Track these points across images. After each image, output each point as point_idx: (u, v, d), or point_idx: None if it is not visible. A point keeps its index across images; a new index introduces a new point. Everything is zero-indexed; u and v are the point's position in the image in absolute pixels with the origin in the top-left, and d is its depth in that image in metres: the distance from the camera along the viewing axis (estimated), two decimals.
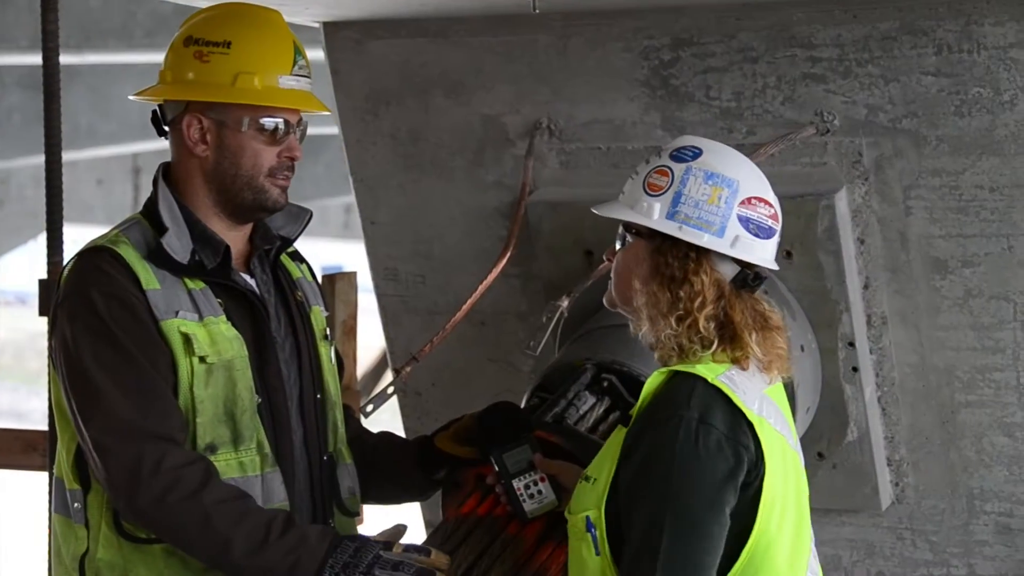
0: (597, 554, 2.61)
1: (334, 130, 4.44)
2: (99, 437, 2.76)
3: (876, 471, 3.93)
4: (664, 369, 2.65)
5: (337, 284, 4.72)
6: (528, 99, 4.07)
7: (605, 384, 3.52)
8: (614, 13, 3.91)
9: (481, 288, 3.96)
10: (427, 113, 4.18)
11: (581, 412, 3.45)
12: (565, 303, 3.83)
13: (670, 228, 2.65)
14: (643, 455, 2.57)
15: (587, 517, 2.63)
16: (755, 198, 2.68)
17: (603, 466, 2.66)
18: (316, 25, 4.23)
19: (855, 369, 3.85)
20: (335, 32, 4.20)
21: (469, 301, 3.96)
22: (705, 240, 2.65)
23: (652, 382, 2.65)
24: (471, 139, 4.17)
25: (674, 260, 2.65)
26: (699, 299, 2.63)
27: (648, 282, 2.67)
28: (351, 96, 4.24)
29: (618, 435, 2.68)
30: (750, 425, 2.59)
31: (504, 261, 3.98)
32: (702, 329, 2.63)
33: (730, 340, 2.65)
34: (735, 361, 2.65)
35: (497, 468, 3.00)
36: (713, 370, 2.62)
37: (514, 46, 4.04)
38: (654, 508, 2.54)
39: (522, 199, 4.04)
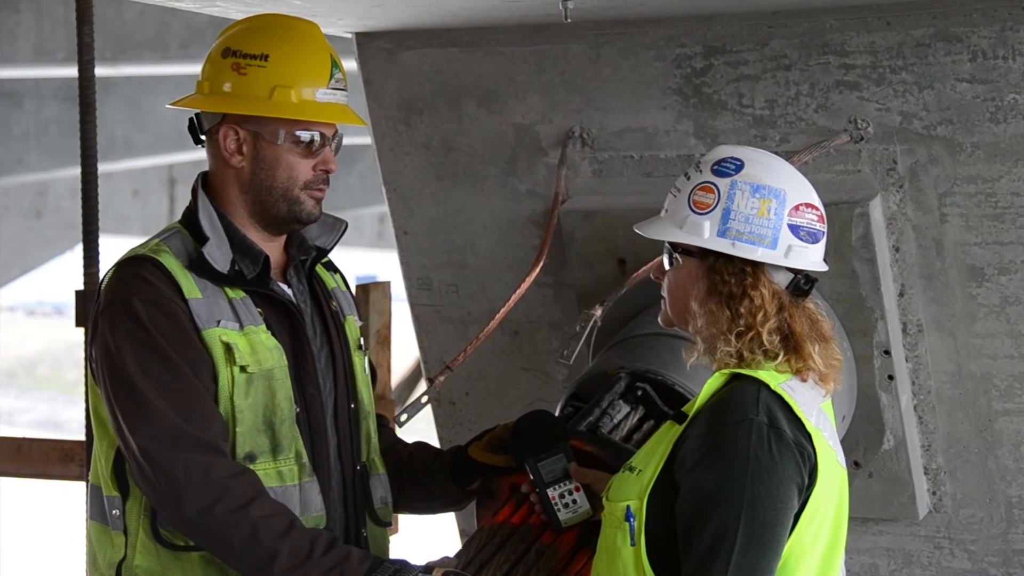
0: (632, 544, 2.60)
1: (368, 140, 4.45)
2: (145, 445, 2.77)
3: (913, 480, 3.91)
4: (725, 371, 2.63)
5: (371, 294, 4.74)
6: (560, 108, 4.07)
7: (639, 393, 3.51)
8: (646, 22, 3.91)
9: (514, 297, 3.96)
10: (460, 123, 4.19)
11: (615, 421, 3.44)
12: (598, 312, 3.82)
13: (723, 246, 2.64)
14: (713, 458, 2.55)
15: (627, 507, 2.61)
16: (803, 204, 2.66)
17: (651, 459, 2.65)
18: (349, 36, 4.24)
19: (891, 377, 3.84)
20: (367, 43, 4.21)
21: (502, 310, 3.96)
22: (759, 254, 2.63)
23: (712, 383, 2.63)
24: (504, 148, 4.17)
25: (730, 277, 2.64)
26: (760, 313, 2.62)
27: (705, 302, 2.66)
28: (384, 106, 4.25)
29: (669, 430, 2.66)
30: (808, 436, 2.58)
31: (537, 270, 3.98)
32: (766, 343, 2.62)
33: (793, 351, 2.64)
34: (797, 372, 2.64)
35: (532, 477, 3.00)
36: (775, 378, 2.61)
37: (546, 55, 4.04)
38: (727, 512, 2.52)
39: (555, 208, 4.04)
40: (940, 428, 3.92)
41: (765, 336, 2.62)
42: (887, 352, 3.82)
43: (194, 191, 2.96)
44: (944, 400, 3.90)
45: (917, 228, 3.79)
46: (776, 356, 2.63)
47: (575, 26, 3.91)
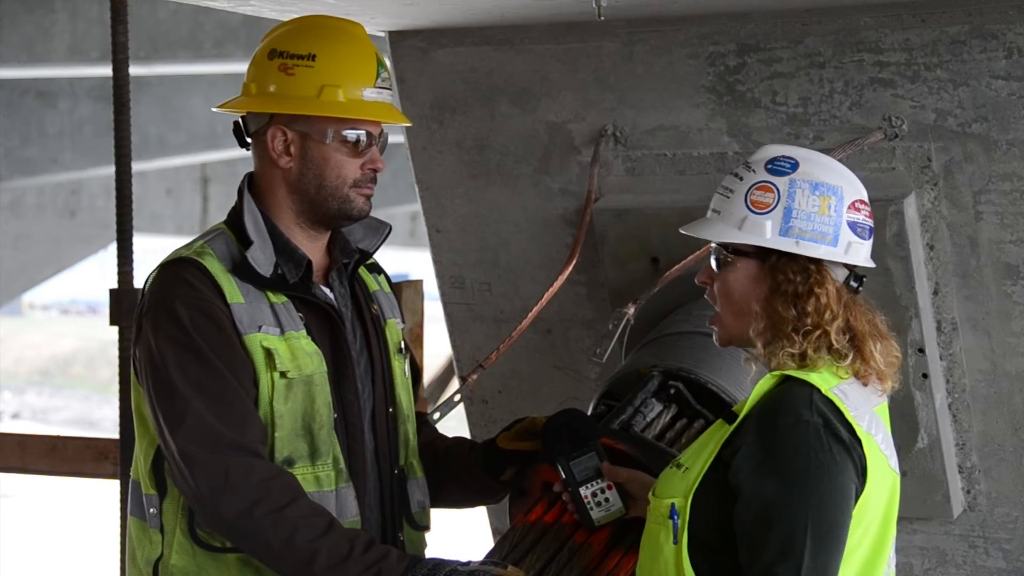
0: (675, 543, 2.59)
1: (400, 139, 4.46)
2: (185, 447, 2.78)
3: (947, 478, 3.89)
4: (776, 372, 2.61)
5: (404, 292, 4.74)
6: (593, 106, 4.07)
7: (672, 391, 3.51)
8: (679, 20, 3.90)
9: (547, 296, 3.96)
10: (493, 121, 4.19)
11: (648, 419, 3.44)
12: (631, 310, 3.82)
13: (786, 244, 2.62)
14: (772, 462, 2.53)
15: (672, 504, 2.60)
16: (858, 201, 2.67)
17: (698, 457, 2.63)
18: (382, 34, 4.25)
19: (925, 376, 3.82)
20: (401, 41, 4.22)
21: (535, 309, 3.96)
22: (822, 251, 2.62)
23: (763, 385, 2.61)
24: (536, 146, 4.17)
25: (795, 275, 2.62)
26: (828, 312, 2.60)
27: (769, 302, 2.64)
28: (417, 104, 4.26)
29: (718, 430, 2.64)
30: (859, 441, 2.56)
31: (570, 268, 3.98)
32: (834, 341, 2.60)
33: (856, 351, 2.62)
34: (857, 374, 2.62)
35: (564, 476, 3.00)
36: (828, 381, 2.59)
37: (579, 53, 4.04)
38: (794, 517, 2.49)
39: (588, 206, 4.04)
40: (975, 426, 3.90)
41: (834, 335, 2.60)
42: (921, 350, 3.80)
43: (240, 192, 2.97)
44: (979, 398, 3.88)
45: (952, 226, 3.77)
46: (845, 356, 2.60)
47: (608, 24, 3.91)
